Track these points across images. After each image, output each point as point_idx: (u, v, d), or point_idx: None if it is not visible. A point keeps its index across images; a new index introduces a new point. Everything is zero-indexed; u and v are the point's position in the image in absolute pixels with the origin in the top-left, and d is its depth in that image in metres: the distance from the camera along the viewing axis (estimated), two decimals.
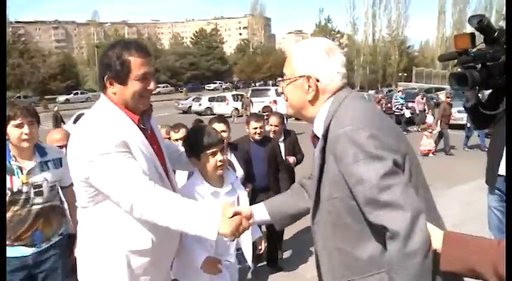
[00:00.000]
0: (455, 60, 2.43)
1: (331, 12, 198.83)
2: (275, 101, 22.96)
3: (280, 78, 1.81)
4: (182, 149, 2.58)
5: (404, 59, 66.85)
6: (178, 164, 2.56)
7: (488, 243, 1.34)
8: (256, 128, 4.72)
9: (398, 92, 19.79)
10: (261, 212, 2.04)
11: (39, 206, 2.80)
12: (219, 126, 3.84)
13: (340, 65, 1.68)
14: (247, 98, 25.67)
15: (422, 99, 19.15)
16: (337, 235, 1.60)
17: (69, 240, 2.99)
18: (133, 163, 1.94)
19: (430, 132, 12.92)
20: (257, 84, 63.76)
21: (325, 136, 1.58)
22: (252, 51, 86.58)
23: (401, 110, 18.03)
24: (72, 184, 2.62)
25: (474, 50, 2.32)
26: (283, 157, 5.12)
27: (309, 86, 1.67)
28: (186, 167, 2.66)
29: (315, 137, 1.72)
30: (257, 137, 4.76)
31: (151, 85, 2.06)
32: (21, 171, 2.74)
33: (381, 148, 1.45)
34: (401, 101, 18.25)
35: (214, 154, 2.46)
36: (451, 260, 1.36)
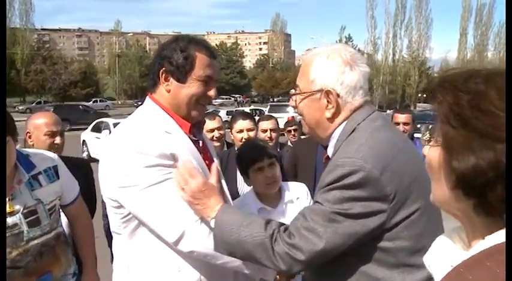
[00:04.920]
0: None
1: (352, 31, 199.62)
2: (293, 118, 22.76)
3: (293, 91, 1.55)
4: None
5: (424, 80, 66.31)
6: None
7: None
8: None
9: None
10: None
11: (40, 241, 2.00)
12: (243, 124, 3.35)
13: (363, 79, 1.45)
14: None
15: None
16: None
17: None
18: None
19: None
20: (275, 99, 63.65)
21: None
22: (272, 66, 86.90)
23: None
24: (76, 199, 2.27)
25: None
26: None
27: (328, 102, 1.43)
28: None
29: (327, 159, 1.49)
30: None
31: (212, 92, 1.72)
32: None
33: (368, 199, 1.28)
34: None
35: (260, 170, 2.22)
36: None
